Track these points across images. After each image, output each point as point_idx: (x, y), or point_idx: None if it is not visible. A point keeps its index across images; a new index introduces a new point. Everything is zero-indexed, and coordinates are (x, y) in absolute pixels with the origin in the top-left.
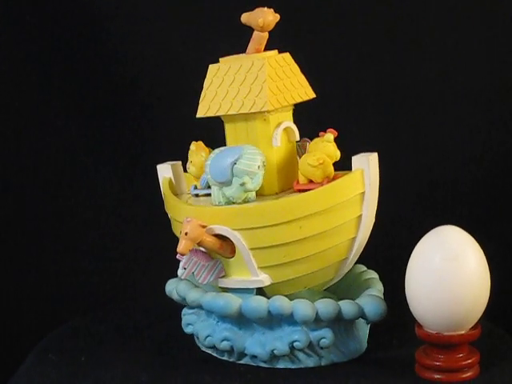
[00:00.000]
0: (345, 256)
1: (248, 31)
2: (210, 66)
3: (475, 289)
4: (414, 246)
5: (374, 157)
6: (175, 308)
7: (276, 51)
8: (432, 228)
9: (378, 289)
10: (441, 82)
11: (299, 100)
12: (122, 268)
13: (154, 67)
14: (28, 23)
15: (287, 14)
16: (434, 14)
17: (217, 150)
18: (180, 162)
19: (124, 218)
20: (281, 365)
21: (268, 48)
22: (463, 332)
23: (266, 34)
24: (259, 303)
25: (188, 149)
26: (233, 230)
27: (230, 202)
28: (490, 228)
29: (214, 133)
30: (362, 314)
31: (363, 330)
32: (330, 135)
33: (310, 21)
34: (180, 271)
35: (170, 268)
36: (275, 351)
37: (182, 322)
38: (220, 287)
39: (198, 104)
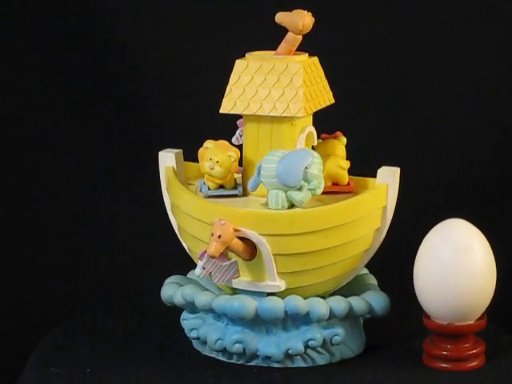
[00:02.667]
0: (356, 266)
1: (247, 28)
2: (238, 60)
3: (483, 280)
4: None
5: (397, 171)
6: (166, 312)
7: (307, 55)
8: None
9: (375, 284)
10: (444, 79)
11: (324, 106)
12: (113, 269)
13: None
14: (28, 22)
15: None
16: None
17: (279, 153)
18: (181, 151)
19: (122, 219)
20: (292, 364)
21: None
22: (471, 322)
23: (301, 37)
24: (275, 304)
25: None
26: (259, 234)
27: (289, 207)
28: (493, 224)
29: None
30: (370, 310)
31: (361, 325)
32: (344, 138)
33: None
34: (199, 271)
35: (163, 270)
36: (290, 351)
37: (185, 326)
38: (221, 288)
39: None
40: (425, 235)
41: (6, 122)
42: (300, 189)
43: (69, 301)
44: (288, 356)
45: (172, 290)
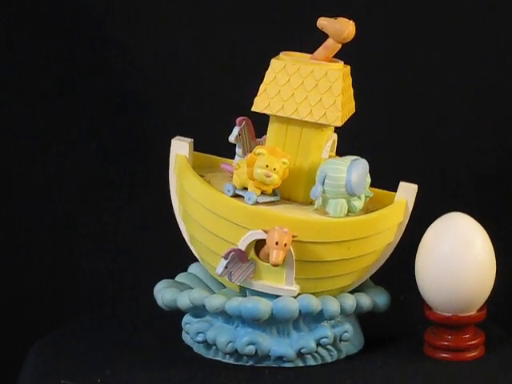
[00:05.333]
0: (365, 276)
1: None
2: (273, 60)
3: (484, 271)
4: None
5: (416, 188)
6: (158, 316)
7: (342, 63)
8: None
9: (369, 279)
10: (443, 79)
11: (350, 115)
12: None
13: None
14: (27, 22)
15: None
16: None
17: (342, 162)
18: (192, 140)
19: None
20: (303, 363)
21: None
22: (472, 313)
23: (340, 45)
24: (290, 303)
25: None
26: None
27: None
28: (492, 219)
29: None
30: (373, 306)
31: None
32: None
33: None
34: (221, 270)
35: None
36: (303, 350)
37: (190, 330)
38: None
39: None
40: (426, 229)
41: (5, 121)
42: (359, 196)
43: (58, 305)
44: (300, 355)
45: (173, 294)
